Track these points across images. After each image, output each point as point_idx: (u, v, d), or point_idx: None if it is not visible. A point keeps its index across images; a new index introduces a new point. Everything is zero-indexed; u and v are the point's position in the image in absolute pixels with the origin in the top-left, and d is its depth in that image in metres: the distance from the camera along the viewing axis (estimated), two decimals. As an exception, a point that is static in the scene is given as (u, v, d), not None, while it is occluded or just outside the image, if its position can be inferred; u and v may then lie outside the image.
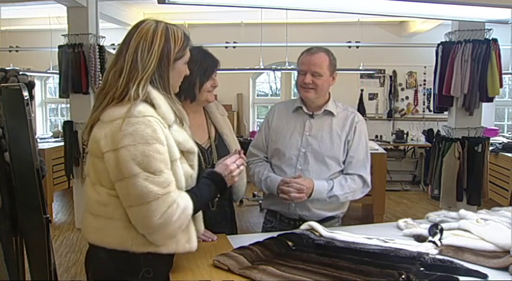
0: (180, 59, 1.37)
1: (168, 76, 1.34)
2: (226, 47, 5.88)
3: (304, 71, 1.92)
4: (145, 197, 1.21)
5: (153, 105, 1.28)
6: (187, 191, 1.35)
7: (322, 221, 1.96)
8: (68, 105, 5.52)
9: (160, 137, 1.24)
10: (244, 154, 2.01)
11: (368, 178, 2.01)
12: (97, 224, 1.31)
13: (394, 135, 6.88)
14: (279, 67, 6.17)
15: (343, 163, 1.99)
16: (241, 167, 1.52)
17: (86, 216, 1.36)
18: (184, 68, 1.42)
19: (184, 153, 1.36)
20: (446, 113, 4.28)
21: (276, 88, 8.17)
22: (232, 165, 1.50)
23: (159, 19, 1.37)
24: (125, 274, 1.29)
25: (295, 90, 7.94)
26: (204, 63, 1.75)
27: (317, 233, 1.62)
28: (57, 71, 4.75)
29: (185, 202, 1.30)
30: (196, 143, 1.77)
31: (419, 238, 1.66)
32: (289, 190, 1.86)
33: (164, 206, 1.22)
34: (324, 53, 1.93)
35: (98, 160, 1.28)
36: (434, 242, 1.57)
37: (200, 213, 1.51)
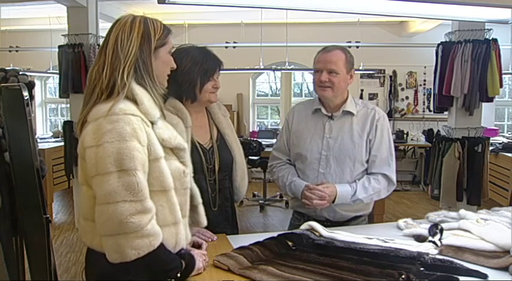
0: (162, 47, 1.36)
1: (151, 63, 1.33)
2: (226, 47, 5.88)
3: (320, 69, 1.89)
4: (114, 197, 1.17)
5: (135, 101, 1.28)
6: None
7: (349, 220, 1.98)
8: (68, 105, 5.52)
9: (140, 136, 1.23)
10: (245, 155, 2.00)
11: (393, 176, 1.97)
12: (86, 226, 1.31)
13: (394, 136, 6.87)
14: (279, 67, 6.17)
15: (367, 162, 1.96)
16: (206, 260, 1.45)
17: (79, 217, 1.37)
18: (169, 58, 1.41)
19: (174, 150, 1.35)
20: (446, 113, 4.28)
21: (276, 88, 8.17)
22: (205, 257, 1.43)
23: (158, 19, 1.37)
24: (121, 273, 1.29)
25: (295, 90, 7.98)
26: (205, 64, 1.74)
27: (317, 233, 1.61)
28: (57, 71, 4.75)
29: (159, 230, 1.23)
30: (198, 143, 1.79)
31: (419, 238, 1.65)
32: (312, 196, 1.85)
33: (132, 210, 1.17)
34: (340, 50, 1.90)
35: (83, 160, 1.27)
36: (434, 242, 1.56)
37: (202, 208, 1.52)
